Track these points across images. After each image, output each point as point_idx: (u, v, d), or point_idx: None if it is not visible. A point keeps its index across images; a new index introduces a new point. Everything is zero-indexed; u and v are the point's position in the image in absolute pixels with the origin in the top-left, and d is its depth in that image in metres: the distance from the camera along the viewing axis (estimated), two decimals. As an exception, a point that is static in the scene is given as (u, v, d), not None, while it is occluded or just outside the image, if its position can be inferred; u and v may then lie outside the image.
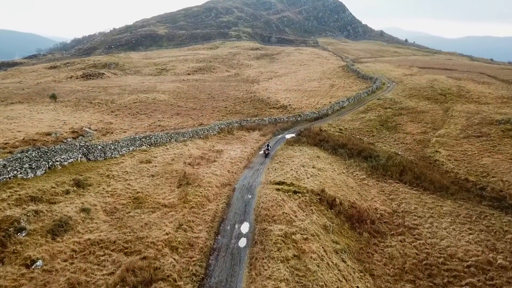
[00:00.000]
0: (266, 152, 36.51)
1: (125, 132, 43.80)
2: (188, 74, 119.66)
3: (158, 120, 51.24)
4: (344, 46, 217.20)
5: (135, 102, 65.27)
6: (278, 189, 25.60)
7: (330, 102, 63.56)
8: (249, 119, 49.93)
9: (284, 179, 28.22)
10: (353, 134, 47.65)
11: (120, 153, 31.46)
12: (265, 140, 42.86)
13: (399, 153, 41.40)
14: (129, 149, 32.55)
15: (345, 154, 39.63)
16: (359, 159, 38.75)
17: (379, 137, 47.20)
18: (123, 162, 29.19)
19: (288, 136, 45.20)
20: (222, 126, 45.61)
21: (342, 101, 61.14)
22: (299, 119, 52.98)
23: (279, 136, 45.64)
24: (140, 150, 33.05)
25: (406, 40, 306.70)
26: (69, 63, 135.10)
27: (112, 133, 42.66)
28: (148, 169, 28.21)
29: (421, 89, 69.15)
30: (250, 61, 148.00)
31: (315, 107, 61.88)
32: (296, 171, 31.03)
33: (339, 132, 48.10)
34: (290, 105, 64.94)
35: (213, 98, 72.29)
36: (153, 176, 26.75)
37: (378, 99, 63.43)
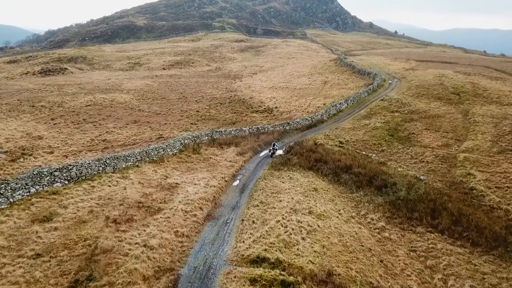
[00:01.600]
0: (272, 152, 34.20)
1: (51, 152, 32.18)
2: (164, 68, 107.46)
3: (107, 132, 39.66)
4: (333, 38, 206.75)
5: (88, 106, 53.38)
6: (254, 282, 14.62)
7: (324, 104, 52.74)
8: (223, 129, 38.65)
9: (265, 250, 17.23)
10: (357, 149, 36.99)
11: (10, 200, 20.04)
12: (243, 162, 31.77)
13: (421, 177, 30.88)
14: (29, 192, 21.14)
15: (351, 183, 28.97)
16: (370, 190, 28.10)
17: (391, 152, 36.65)
18: (1, 223, 17.79)
19: (275, 153, 34.35)
20: (186, 141, 34.33)
21: (339, 103, 50.40)
22: (287, 128, 42.03)
23: (262, 154, 34.70)
24: (47, 191, 21.61)
25: (395, 32, 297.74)
26: (31, 56, 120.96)
27: (31, 154, 31.05)
28: (40, 237, 16.91)
29: (430, 87, 58.91)
30: (233, 54, 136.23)
31: (306, 110, 51.03)
32: (285, 225, 20.14)
33: (340, 146, 37.36)
34: (276, 107, 53.90)
35: (185, 98, 60.72)
36: (38, 257, 15.46)
37: (382, 99, 52.92)
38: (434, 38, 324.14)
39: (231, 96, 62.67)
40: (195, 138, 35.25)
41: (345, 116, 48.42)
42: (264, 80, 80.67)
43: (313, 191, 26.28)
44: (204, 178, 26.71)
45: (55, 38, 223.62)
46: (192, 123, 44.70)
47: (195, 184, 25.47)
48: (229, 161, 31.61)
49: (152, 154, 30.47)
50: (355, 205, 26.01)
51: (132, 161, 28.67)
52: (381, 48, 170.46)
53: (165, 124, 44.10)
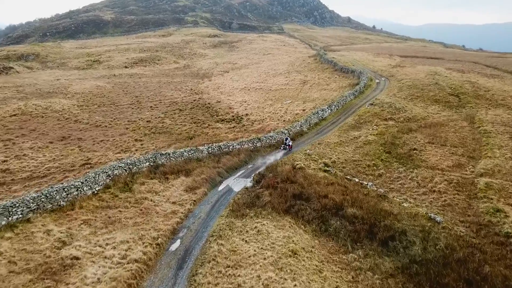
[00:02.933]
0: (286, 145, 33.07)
1: None
2: (126, 67, 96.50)
3: (16, 156, 29.60)
4: (312, 33, 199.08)
5: (14, 115, 42.93)
6: None
7: (304, 110, 44.03)
8: (171, 151, 29.02)
9: None
10: (348, 174, 28.36)
11: None
12: (192, 204, 22.51)
13: (437, 218, 22.49)
14: None
15: (344, 234, 20.39)
16: (372, 245, 19.58)
17: (391, 178, 28.17)
18: None
19: (238, 186, 25.38)
20: (116, 171, 24.77)
21: (322, 109, 41.69)
22: (258, 145, 32.95)
23: (222, 187, 25.60)
24: None
25: (374, 27, 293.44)
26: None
27: None
28: None
29: (424, 87, 51.13)
30: (205, 50, 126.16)
31: (283, 118, 42.15)
32: None
33: (325, 170, 28.64)
34: (247, 115, 44.83)
35: (139, 104, 50.86)
36: None
37: (372, 104, 44.62)
38: (410, 33, 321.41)
39: (195, 100, 53.16)
40: (130, 167, 25.70)
41: (329, 125, 39.81)
42: (236, 79, 71.41)
43: (290, 257, 17.43)
44: (125, 243, 17.35)
45: (14, 33, 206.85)
46: (136, 140, 35.04)
47: (106, 257, 16.10)
48: (172, 202, 22.32)
49: (58, 197, 20.84)
50: (352, 277, 17.31)
51: (20, 212, 19.03)
52: (361, 43, 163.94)
53: (102, 141, 34.26)
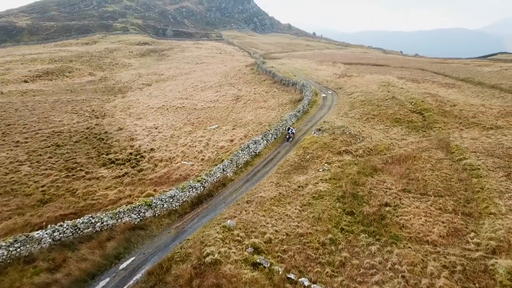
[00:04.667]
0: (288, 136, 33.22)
1: None
2: (25, 81, 78.84)
3: None
4: (251, 40, 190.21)
5: None
6: None
7: (231, 142, 32.25)
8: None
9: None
10: (292, 268, 16.73)
11: None
12: None
13: None
14: None
15: None
16: None
17: (360, 267, 16.99)
18: None
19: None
20: None
21: (255, 141, 30.01)
22: (148, 214, 20.22)
23: None
24: None
25: (314, 34, 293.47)
26: None
27: None
28: None
29: (380, 102, 41.88)
30: (130, 59, 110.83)
31: (202, 156, 29.97)
32: None
33: (255, 264, 16.81)
34: (152, 150, 32.05)
35: (3, 136, 35.96)
36: None
37: (319, 129, 33.99)
38: (347, 40, 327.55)
39: (88, 128, 39.29)
40: None
41: (265, 165, 28.31)
42: (156, 95, 58.16)
43: None
44: None
45: None
46: None
47: None
48: None
49: None
50: None
51: None
52: (302, 50, 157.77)
53: None
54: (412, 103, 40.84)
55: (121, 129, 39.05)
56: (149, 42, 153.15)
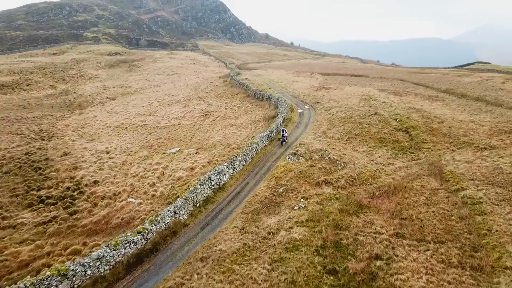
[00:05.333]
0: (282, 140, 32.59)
1: None
2: (-25, 96, 71.43)
3: None
4: (228, 50, 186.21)
5: None
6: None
7: (192, 171, 27.28)
8: None
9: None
10: None
11: None
12: None
13: None
14: None
15: None
16: None
17: None
18: None
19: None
20: None
21: (218, 170, 25.05)
22: None
23: None
24: None
25: (292, 43, 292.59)
26: None
27: None
28: None
29: (362, 119, 37.87)
30: (98, 70, 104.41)
31: (153, 190, 24.83)
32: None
33: None
34: (95, 183, 26.71)
35: None
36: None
37: (295, 153, 29.44)
38: (325, 49, 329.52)
39: (28, 153, 33.54)
40: None
41: (229, 202, 23.42)
42: (117, 110, 52.63)
43: None
44: None
45: None
46: None
47: None
48: None
49: None
50: None
51: None
52: (279, 60, 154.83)
53: None
54: (397, 120, 37.02)
55: (66, 154, 33.48)
56: (120, 52, 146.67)
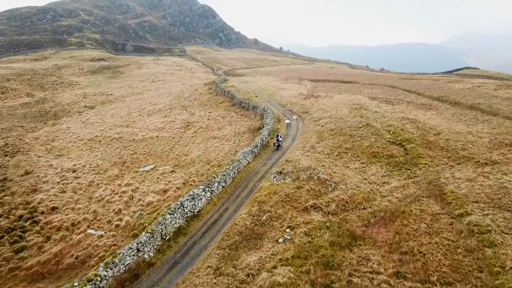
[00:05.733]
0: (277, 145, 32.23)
1: None
2: None
3: None
4: (216, 55, 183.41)
5: None
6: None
7: (165, 193, 24.19)
8: None
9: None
10: None
11: None
12: None
13: None
14: None
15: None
16: None
17: None
18: None
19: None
20: None
21: (193, 195, 22.00)
22: None
23: None
24: None
25: (281, 48, 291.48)
26: None
27: None
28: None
29: (353, 131, 35.26)
30: (79, 77, 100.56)
31: (118, 219, 21.68)
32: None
33: None
34: (53, 210, 23.43)
35: None
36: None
37: (280, 172, 26.59)
38: (314, 54, 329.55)
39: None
40: None
41: (203, 233, 20.42)
42: (93, 121, 49.29)
43: None
44: None
45: None
46: None
47: None
48: None
49: None
50: None
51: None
52: (268, 66, 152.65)
53: None
54: (390, 132, 34.51)
55: (28, 173, 30.13)
56: (105, 58, 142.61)
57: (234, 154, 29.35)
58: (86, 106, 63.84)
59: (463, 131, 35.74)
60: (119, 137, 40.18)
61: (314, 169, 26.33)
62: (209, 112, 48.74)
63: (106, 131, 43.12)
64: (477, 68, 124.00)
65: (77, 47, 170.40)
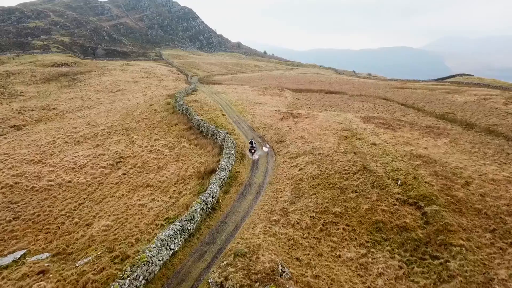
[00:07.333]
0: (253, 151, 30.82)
1: None
2: None
3: None
4: (195, 60, 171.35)
5: None
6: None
7: None
8: None
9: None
10: None
11: None
12: None
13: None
14: None
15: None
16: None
17: None
18: None
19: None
20: None
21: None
22: None
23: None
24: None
25: (265, 52, 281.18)
26: None
27: None
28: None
29: (343, 180, 24.13)
30: (28, 86, 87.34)
31: None
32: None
33: None
34: None
35: None
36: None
37: (226, 278, 15.21)
38: (300, 58, 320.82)
39: None
40: None
41: None
42: (1, 151, 36.97)
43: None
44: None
45: None
46: None
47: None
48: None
49: None
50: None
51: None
52: (249, 71, 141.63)
53: None
54: (399, 182, 23.53)
55: None
56: (69, 62, 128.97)
57: (150, 242, 17.67)
58: (13, 126, 51.36)
59: (498, 176, 25.01)
60: (14, 184, 28.16)
61: (281, 273, 15.05)
62: (155, 140, 37.11)
63: (4, 171, 31.04)
64: (471, 75, 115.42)
65: (41, 51, 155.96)
